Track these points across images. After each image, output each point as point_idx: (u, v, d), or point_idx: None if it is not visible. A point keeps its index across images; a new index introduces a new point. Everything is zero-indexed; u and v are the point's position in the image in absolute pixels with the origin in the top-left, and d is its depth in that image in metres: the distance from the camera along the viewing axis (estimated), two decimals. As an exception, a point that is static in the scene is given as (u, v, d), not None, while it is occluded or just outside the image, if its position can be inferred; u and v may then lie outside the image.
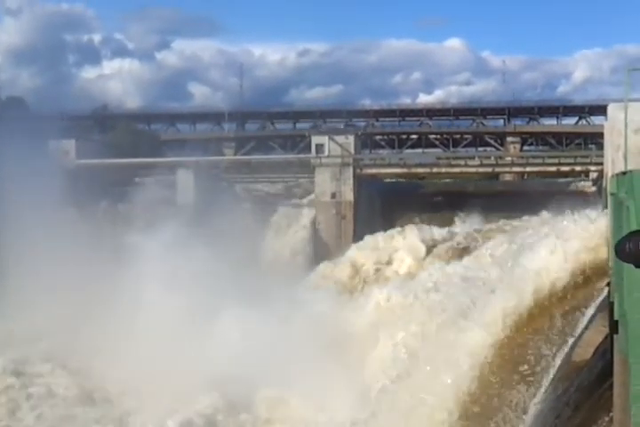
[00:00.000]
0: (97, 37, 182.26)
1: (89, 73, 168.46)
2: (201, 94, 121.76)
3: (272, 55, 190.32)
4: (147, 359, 27.31)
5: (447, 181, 55.36)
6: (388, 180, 54.07)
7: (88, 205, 39.91)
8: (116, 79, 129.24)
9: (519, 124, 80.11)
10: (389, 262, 37.70)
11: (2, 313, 34.78)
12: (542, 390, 14.55)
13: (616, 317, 9.66)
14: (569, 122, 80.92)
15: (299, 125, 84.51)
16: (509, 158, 54.21)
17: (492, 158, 52.48)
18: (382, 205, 46.89)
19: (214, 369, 26.30)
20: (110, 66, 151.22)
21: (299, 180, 52.65)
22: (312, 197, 48.91)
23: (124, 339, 29.17)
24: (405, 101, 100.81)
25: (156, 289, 31.06)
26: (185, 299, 29.64)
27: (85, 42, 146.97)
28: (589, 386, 12.83)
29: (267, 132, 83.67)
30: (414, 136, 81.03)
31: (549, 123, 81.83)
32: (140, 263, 32.74)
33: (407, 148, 78.81)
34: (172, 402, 25.80)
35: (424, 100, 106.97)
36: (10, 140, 39.91)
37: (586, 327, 15.07)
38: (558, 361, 14.98)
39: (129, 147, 53.94)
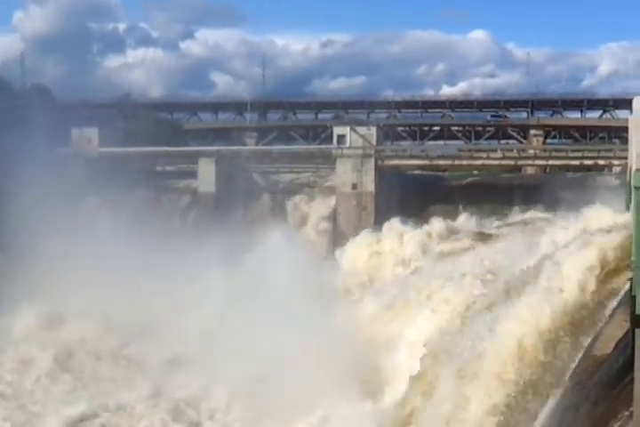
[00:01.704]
0: (121, 26, 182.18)
1: (113, 62, 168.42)
2: (223, 84, 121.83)
3: (295, 45, 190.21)
4: None
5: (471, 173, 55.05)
6: (409, 172, 53.82)
7: (110, 192, 40.05)
8: (140, 68, 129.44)
9: (542, 116, 79.49)
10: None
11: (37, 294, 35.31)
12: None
13: (638, 311, 9.62)
14: (593, 115, 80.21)
15: (321, 116, 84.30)
16: (532, 151, 53.90)
17: (515, 151, 52.20)
18: (403, 196, 46.78)
19: None
20: (134, 55, 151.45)
21: (320, 170, 52.58)
22: (333, 187, 48.92)
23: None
24: (428, 93, 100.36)
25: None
26: None
27: (110, 30, 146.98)
28: (610, 380, 12.75)
29: (288, 122, 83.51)
30: (436, 128, 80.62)
31: (573, 116, 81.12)
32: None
33: (429, 140, 78.43)
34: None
35: (447, 91, 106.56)
36: (34, 127, 40.23)
37: (607, 322, 14.98)
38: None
39: (151, 135, 54.06)
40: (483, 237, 31.21)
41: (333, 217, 47.05)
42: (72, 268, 34.53)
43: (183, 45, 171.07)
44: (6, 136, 39.76)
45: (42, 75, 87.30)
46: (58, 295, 34.12)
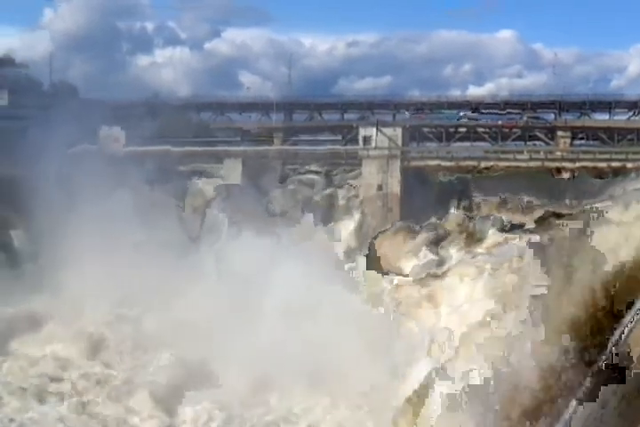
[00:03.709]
0: (150, 26, 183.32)
1: (141, 61, 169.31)
2: (250, 84, 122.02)
3: (321, 45, 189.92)
4: None
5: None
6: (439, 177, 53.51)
7: (134, 190, 40.48)
8: (168, 68, 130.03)
9: (570, 118, 78.84)
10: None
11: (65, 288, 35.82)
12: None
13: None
14: (621, 117, 79.43)
15: (347, 116, 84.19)
16: (559, 153, 53.52)
17: (542, 153, 51.87)
18: (429, 198, 46.67)
19: None
20: (162, 54, 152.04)
21: (346, 171, 52.52)
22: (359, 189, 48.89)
23: None
24: (455, 93, 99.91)
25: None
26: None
27: (138, 30, 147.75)
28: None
29: (314, 122, 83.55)
30: (463, 129, 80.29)
31: (601, 117, 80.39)
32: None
33: (455, 141, 78.11)
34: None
35: (474, 92, 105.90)
36: (62, 125, 40.61)
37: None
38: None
39: (178, 135, 54.32)
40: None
41: (359, 218, 46.99)
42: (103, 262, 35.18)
43: (210, 45, 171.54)
44: (34, 134, 40.16)
45: (70, 73, 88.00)
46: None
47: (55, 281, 37.07)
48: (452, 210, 43.21)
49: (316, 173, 52.05)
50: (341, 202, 47.81)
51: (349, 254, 44.19)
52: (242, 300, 31.72)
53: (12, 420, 26.80)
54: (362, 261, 40.13)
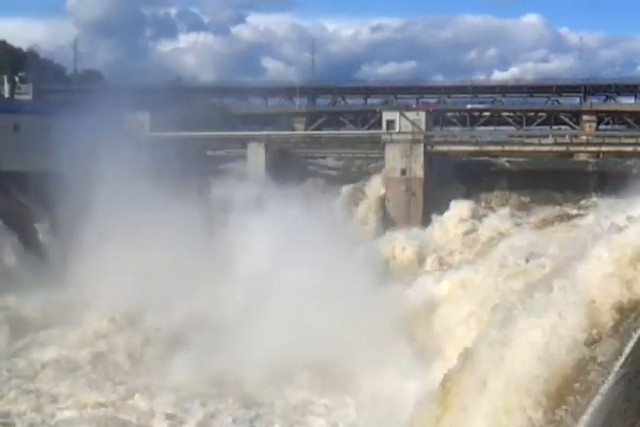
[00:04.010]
0: (173, 11, 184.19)
1: (165, 46, 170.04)
2: (274, 69, 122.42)
3: (345, 30, 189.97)
4: None
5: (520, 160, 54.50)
6: (460, 158, 53.47)
7: (162, 176, 40.64)
8: (192, 53, 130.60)
9: (595, 102, 78.17)
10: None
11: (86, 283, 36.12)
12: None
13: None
14: (648, 101, 78.70)
15: (370, 101, 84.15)
16: (585, 137, 53.10)
17: (567, 137, 51.49)
18: (453, 182, 46.55)
19: None
20: (186, 40, 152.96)
21: (369, 156, 52.48)
22: (381, 173, 48.85)
23: None
24: (479, 78, 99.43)
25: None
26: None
27: (162, 15, 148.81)
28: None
29: (338, 107, 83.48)
30: (487, 113, 79.91)
31: (627, 101, 79.67)
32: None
33: (479, 125, 77.81)
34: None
35: (499, 76, 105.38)
36: (87, 112, 40.84)
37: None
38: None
39: (202, 120, 54.47)
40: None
41: (382, 202, 46.99)
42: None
43: (234, 30, 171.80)
44: (60, 126, 40.47)
45: (94, 59, 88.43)
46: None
47: (79, 274, 37.26)
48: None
49: (336, 169, 52.10)
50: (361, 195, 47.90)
51: (373, 238, 44.19)
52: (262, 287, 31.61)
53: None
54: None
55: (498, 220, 40.26)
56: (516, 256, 27.29)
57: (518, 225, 38.58)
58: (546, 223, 35.30)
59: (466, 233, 40.30)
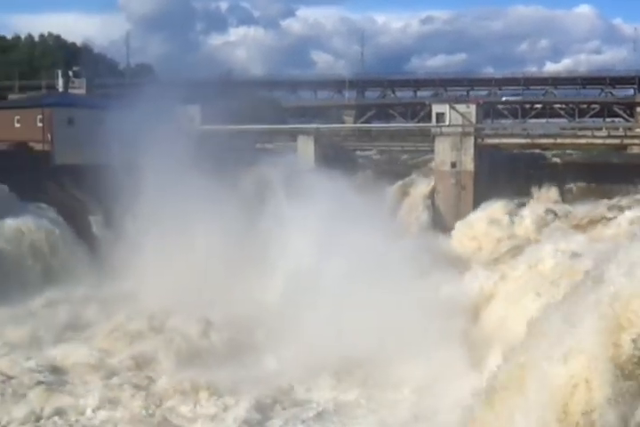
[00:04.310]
0: (224, 5, 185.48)
1: (215, 40, 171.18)
2: (323, 62, 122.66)
3: (395, 22, 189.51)
4: None
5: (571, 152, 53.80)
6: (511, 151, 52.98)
7: (214, 169, 40.98)
8: (242, 47, 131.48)
9: (650, 93, 76.80)
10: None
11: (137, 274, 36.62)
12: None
13: None
14: None
15: (419, 94, 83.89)
16: (639, 130, 52.21)
17: (621, 129, 50.66)
18: (503, 176, 46.15)
19: None
20: (236, 33, 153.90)
21: (418, 149, 52.30)
22: (429, 166, 48.70)
23: None
24: (531, 70, 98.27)
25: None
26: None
27: (213, 9, 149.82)
28: None
29: (387, 100, 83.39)
30: (538, 106, 79.02)
31: (684, 93, 78.09)
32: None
33: (531, 118, 77.02)
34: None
35: (551, 68, 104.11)
36: (139, 105, 41.27)
37: None
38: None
39: (251, 113, 54.79)
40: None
41: (432, 196, 46.80)
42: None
43: (284, 24, 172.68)
44: (113, 120, 40.98)
45: (146, 53, 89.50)
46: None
47: (129, 267, 37.69)
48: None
49: (385, 162, 51.98)
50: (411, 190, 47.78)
51: (423, 231, 44.06)
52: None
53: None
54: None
55: (547, 215, 39.79)
56: (564, 253, 26.95)
57: (567, 219, 38.05)
58: (595, 219, 34.72)
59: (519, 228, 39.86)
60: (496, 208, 41.47)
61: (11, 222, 38.93)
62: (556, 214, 39.74)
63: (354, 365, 26.87)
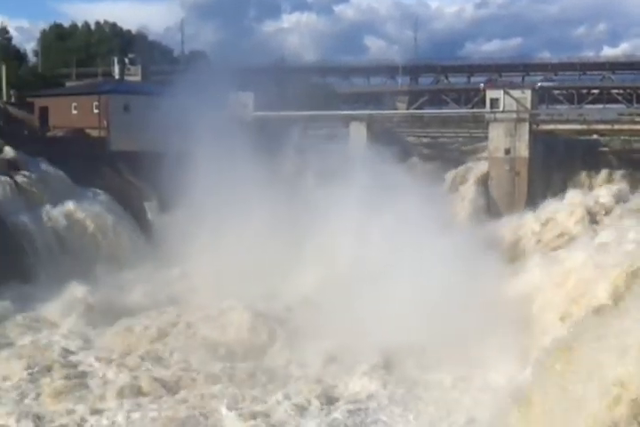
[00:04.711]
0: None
1: (269, 27, 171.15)
2: (376, 48, 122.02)
3: (449, 7, 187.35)
4: None
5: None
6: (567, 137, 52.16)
7: (266, 156, 41.14)
8: (295, 33, 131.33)
9: None
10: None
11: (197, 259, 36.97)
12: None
13: None
14: None
15: (473, 79, 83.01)
16: (699, 115, 51.01)
17: (680, 115, 49.60)
18: (559, 162, 45.54)
19: None
20: (289, 20, 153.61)
21: (472, 135, 51.81)
22: (483, 153, 48.27)
23: None
24: (588, 55, 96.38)
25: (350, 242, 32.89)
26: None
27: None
28: None
29: (440, 85, 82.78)
30: (595, 91, 77.62)
31: None
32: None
33: (587, 103, 75.71)
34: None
35: (609, 53, 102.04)
36: (194, 92, 41.58)
37: None
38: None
39: (304, 99, 54.85)
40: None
41: (486, 182, 46.40)
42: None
43: (337, 10, 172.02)
44: (167, 106, 41.35)
45: (200, 40, 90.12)
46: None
47: (183, 253, 37.98)
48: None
49: (438, 148, 51.63)
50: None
51: (476, 217, 43.77)
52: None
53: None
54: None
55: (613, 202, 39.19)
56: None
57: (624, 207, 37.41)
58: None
59: (577, 221, 39.12)
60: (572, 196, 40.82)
61: (68, 207, 39.70)
62: (618, 202, 39.18)
63: (403, 353, 26.73)
